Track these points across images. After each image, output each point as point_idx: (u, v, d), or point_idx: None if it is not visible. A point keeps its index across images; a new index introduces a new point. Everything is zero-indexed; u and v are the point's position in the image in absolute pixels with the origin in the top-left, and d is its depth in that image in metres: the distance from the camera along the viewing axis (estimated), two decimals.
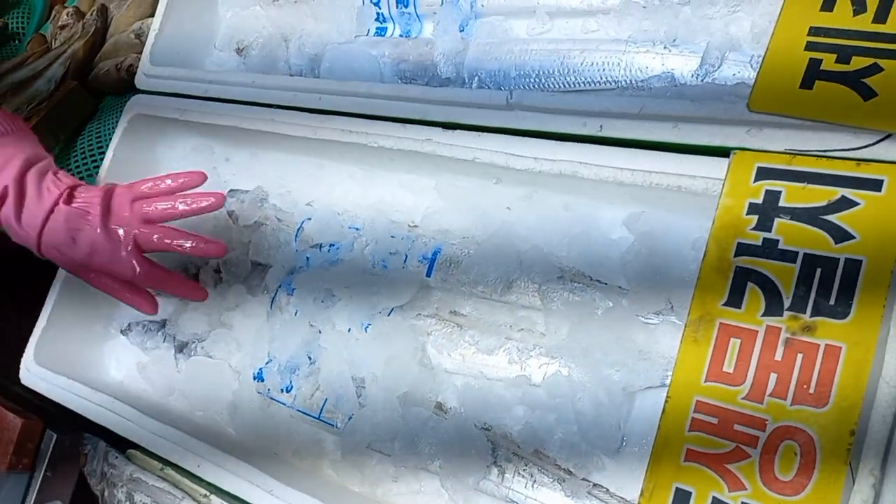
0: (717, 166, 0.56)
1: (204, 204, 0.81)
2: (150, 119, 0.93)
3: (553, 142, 0.65)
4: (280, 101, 0.84)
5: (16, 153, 0.80)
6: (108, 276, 0.82)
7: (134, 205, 0.81)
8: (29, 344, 0.91)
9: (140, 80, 0.97)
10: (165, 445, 0.77)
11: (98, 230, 0.79)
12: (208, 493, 0.76)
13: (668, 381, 0.55)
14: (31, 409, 0.95)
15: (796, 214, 0.53)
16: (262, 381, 0.83)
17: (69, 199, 0.80)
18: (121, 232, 0.80)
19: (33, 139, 0.86)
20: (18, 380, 0.92)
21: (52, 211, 0.79)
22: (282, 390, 0.81)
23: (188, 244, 0.80)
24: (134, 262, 0.80)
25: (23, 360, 0.90)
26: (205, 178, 0.83)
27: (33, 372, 0.89)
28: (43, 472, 0.91)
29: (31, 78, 1.12)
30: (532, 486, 0.65)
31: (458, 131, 0.71)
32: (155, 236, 0.80)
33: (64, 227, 0.79)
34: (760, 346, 0.52)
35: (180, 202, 0.81)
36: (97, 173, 0.98)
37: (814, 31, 0.55)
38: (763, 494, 0.50)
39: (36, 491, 0.90)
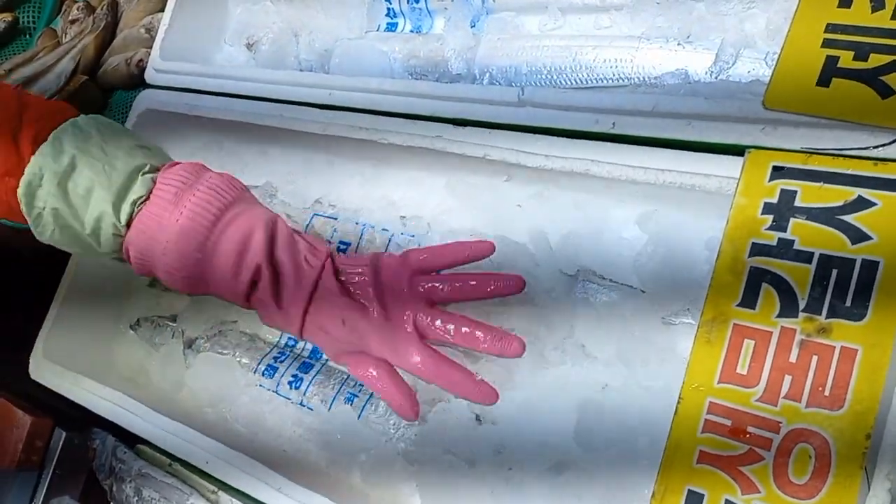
0: (732, 165, 0.56)
1: (506, 289, 0.66)
2: (159, 114, 0.93)
3: (564, 139, 0.64)
4: (290, 97, 0.83)
5: (256, 221, 0.68)
6: (375, 363, 0.69)
7: (413, 280, 0.69)
8: (38, 340, 0.91)
9: (150, 75, 0.97)
10: (174, 442, 0.76)
11: (373, 310, 0.68)
12: (217, 490, 0.76)
13: (679, 383, 0.55)
14: (41, 408, 0.95)
15: (812, 214, 0.52)
16: (272, 377, 0.82)
17: (334, 271, 0.70)
18: (401, 314, 0.68)
19: (253, 198, 0.74)
20: (28, 377, 0.92)
21: (314, 288, 0.68)
22: (291, 387, 0.81)
23: (484, 338, 0.66)
24: (414, 349, 0.67)
25: (32, 355, 0.90)
26: (494, 249, 0.69)
27: (42, 367, 0.89)
28: (52, 469, 0.91)
29: (41, 73, 1.12)
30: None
31: (468, 128, 0.70)
32: (440, 322, 0.67)
33: (333, 306, 0.68)
34: (775, 347, 0.51)
35: (472, 282, 0.67)
36: None
37: (831, 27, 0.54)
38: (777, 497, 0.49)
39: (45, 488, 0.90)
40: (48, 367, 0.89)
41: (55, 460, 0.90)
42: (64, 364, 0.89)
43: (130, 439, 0.84)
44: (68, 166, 0.66)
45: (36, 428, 0.91)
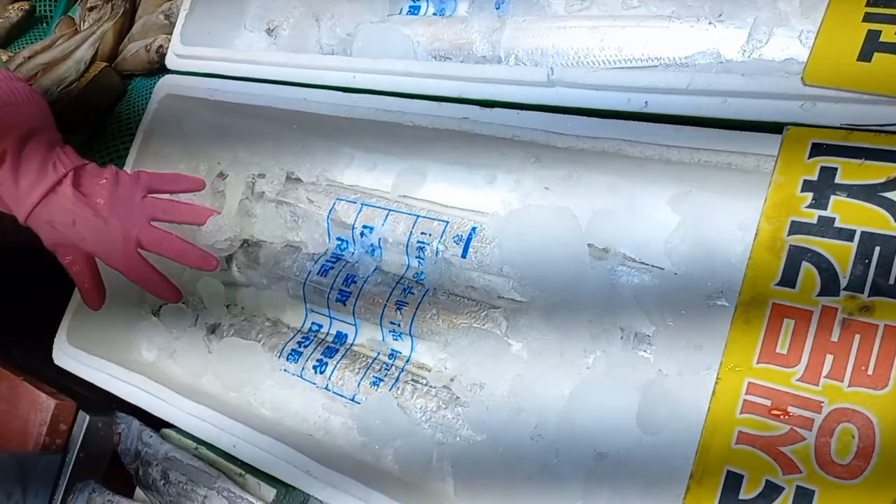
0: (769, 142, 0.55)
1: (202, 218, 0.86)
2: (180, 99, 0.92)
3: (596, 119, 0.63)
4: (313, 81, 0.83)
5: (23, 121, 0.80)
6: (86, 260, 0.84)
7: (144, 199, 0.83)
8: (61, 325, 0.91)
9: (171, 61, 0.97)
10: (201, 425, 0.76)
11: (103, 219, 0.81)
12: (244, 473, 0.76)
13: (716, 364, 0.54)
14: (65, 392, 0.95)
15: (853, 191, 0.51)
16: (296, 362, 0.82)
17: (76, 179, 0.81)
18: (124, 225, 0.81)
19: (47, 113, 0.86)
20: (51, 363, 0.92)
21: (54, 188, 0.79)
22: (316, 371, 0.81)
23: (187, 255, 0.83)
24: (130, 257, 0.82)
25: (55, 341, 0.90)
26: (204, 185, 0.87)
27: (66, 353, 0.89)
28: (76, 453, 0.91)
29: (59, 60, 1.12)
30: None
31: (496, 109, 0.69)
32: (158, 238, 0.82)
33: (67, 209, 0.79)
34: (816, 326, 0.51)
35: (184, 208, 0.86)
36: (126, 155, 0.98)
37: (872, 1, 0.53)
38: (819, 478, 0.48)
39: (69, 472, 0.90)
40: (72, 353, 0.89)
41: (79, 444, 0.91)
42: (87, 349, 0.89)
43: (155, 423, 0.84)
44: None
45: (60, 411, 0.91)
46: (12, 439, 0.94)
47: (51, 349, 0.92)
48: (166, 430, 0.84)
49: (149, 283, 0.84)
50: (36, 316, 0.97)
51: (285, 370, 0.82)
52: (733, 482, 0.51)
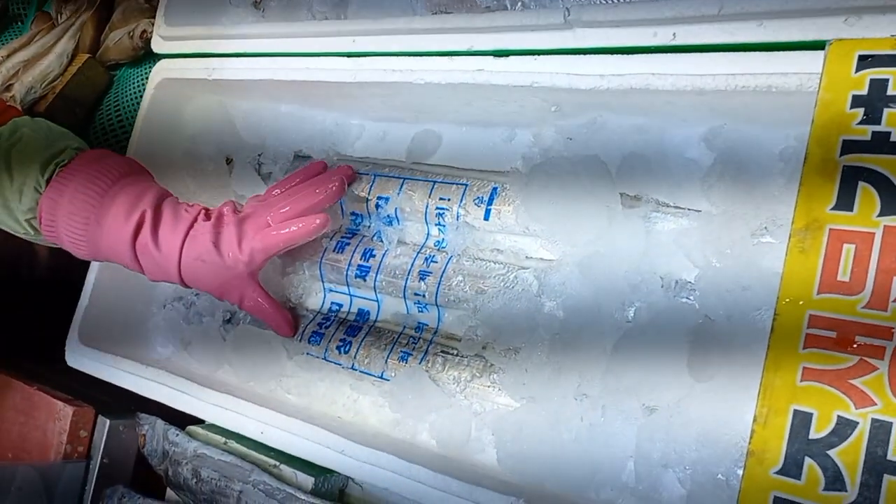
0: (812, 60, 0.52)
1: (324, 195, 0.77)
2: (177, 83, 0.89)
3: (620, 56, 0.60)
4: (311, 49, 0.79)
5: (150, 187, 0.79)
6: (255, 288, 0.78)
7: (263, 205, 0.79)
8: (72, 325, 0.88)
9: (157, 44, 0.93)
10: (225, 415, 0.73)
11: (230, 226, 0.76)
12: (278, 463, 0.73)
13: (772, 301, 0.51)
14: (80, 398, 0.93)
15: None
16: (319, 344, 0.79)
17: (206, 215, 0.78)
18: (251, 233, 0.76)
19: (151, 178, 0.83)
20: (65, 371, 0.89)
21: (191, 226, 0.76)
22: (340, 352, 0.78)
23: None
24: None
25: (67, 342, 0.87)
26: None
27: (79, 352, 0.86)
28: (100, 458, 0.88)
29: (40, 55, 1.08)
30: None
31: (511, 58, 0.66)
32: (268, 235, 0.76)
33: (204, 234, 0.75)
34: (879, 249, 0.47)
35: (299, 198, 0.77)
36: (121, 148, 0.94)
37: None
38: None
39: (95, 478, 0.87)
40: (85, 352, 0.86)
41: (102, 449, 0.88)
42: (101, 348, 0.85)
43: (180, 422, 0.81)
44: (17, 137, 0.78)
45: (78, 417, 0.88)
46: (33, 451, 0.91)
47: (62, 359, 0.89)
48: (192, 428, 0.81)
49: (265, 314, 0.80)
50: (43, 327, 0.94)
51: (308, 353, 0.79)
52: (802, 421, 0.48)
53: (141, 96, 0.94)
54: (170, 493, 0.83)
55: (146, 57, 1.04)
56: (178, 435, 0.80)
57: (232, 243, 0.75)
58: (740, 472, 0.56)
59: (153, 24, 0.95)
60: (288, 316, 0.81)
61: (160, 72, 0.91)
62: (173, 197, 0.80)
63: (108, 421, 0.89)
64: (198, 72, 0.86)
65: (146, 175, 0.82)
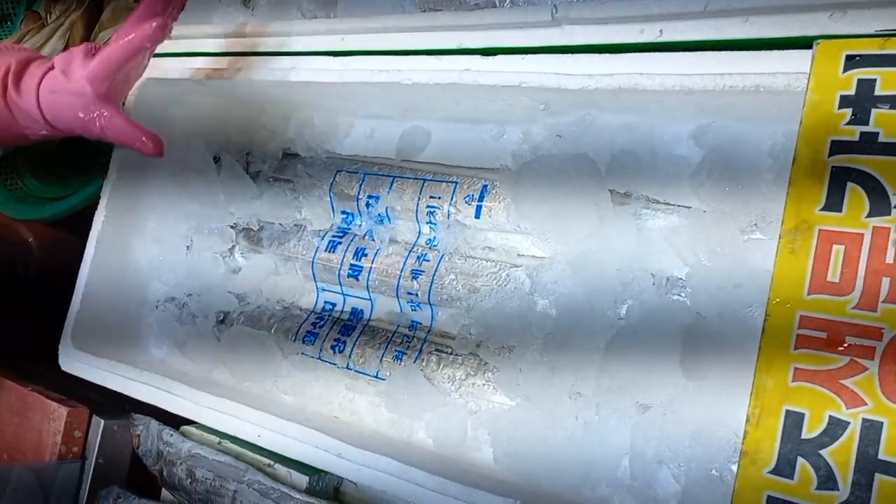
0: (800, 59, 0.51)
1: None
2: (163, 83, 0.88)
3: (608, 55, 0.59)
4: (298, 48, 0.79)
5: (23, 51, 0.82)
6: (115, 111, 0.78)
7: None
8: (65, 329, 0.87)
9: None
10: (221, 419, 0.73)
11: (80, 53, 0.76)
12: (272, 463, 0.73)
13: (763, 301, 0.51)
14: (75, 398, 0.93)
15: None
16: (313, 343, 0.79)
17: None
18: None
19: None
20: (59, 371, 0.88)
21: (51, 67, 0.78)
22: (335, 352, 0.78)
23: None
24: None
25: (60, 346, 0.87)
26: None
27: (72, 356, 0.86)
28: (94, 458, 0.88)
29: None
30: None
31: (499, 57, 0.66)
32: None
33: (57, 68, 0.77)
34: (868, 249, 0.48)
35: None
36: (110, 149, 0.93)
37: None
38: (887, 408, 0.46)
39: (90, 479, 0.88)
40: (79, 356, 0.85)
41: (97, 450, 0.88)
42: (95, 352, 0.85)
43: (174, 421, 0.81)
44: None
45: (73, 418, 0.88)
46: (27, 452, 0.91)
47: (55, 359, 0.88)
48: (186, 428, 0.81)
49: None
50: (36, 329, 0.93)
51: (303, 353, 0.79)
52: (794, 421, 0.48)
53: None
54: (165, 493, 0.83)
55: None
56: (172, 435, 0.80)
57: (77, 66, 0.76)
58: (734, 467, 0.57)
59: None
60: (153, 134, 0.78)
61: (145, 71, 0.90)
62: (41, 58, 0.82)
63: (102, 421, 0.89)
64: (182, 71, 0.85)
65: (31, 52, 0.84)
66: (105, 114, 0.77)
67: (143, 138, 0.77)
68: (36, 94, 0.78)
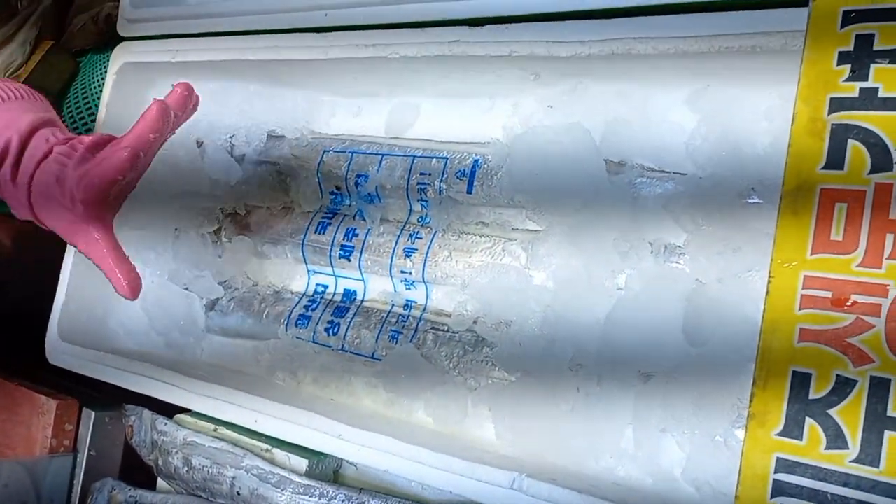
0: (796, 18, 0.51)
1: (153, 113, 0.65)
2: (139, 66, 0.86)
3: (600, 20, 0.58)
4: (280, 25, 0.77)
5: (25, 114, 0.70)
6: (103, 235, 0.67)
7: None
8: (50, 321, 0.86)
9: (122, 27, 0.90)
10: (217, 405, 0.72)
11: (75, 160, 0.65)
12: (270, 447, 0.72)
13: (766, 263, 0.51)
14: (64, 391, 0.91)
15: (895, 56, 0.47)
16: (307, 327, 0.78)
17: (65, 141, 0.69)
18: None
19: (47, 105, 0.75)
20: (46, 364, 0.87)
21: (45, 157, 0.67)
22: (329, 334, 0.77)
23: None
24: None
25: (46, 338, 0.85)
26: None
27: (60, 349, 0.84)
28: (87, 451, 0.87)
29: (1, 44, 1.04)
30: None
31: (487, 26, 0.64)
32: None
33: (52, 167, 0.66)
34: (871, 206, 0.47)
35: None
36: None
37: None
38: (894, 365, 0.46)
39: (83, 471, 0.86)
40: (66, 349, 0.84)
41: (88, 442, 0.87)
42: (82, 343, 0.84)
43: (167, 410, 0.80)
44: None
45: (63, 411, 0.87)
46: (18, 447, 0.90)
47: (42, 351, 0.87)
48: (181, 416, 0.80)
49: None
50: (24, 322, 0.92)
51: (298, 337, 0.78)
52: (801, 382, 0.48)
53: None
54: (160, 483, 0.82)
55: (112, 42, 1.01)
56: (166, 424, 0.78)
57: (73, 179, 0.65)
58: (738, 433, 0.57)
59: (118, 8, 0.92)
60: (132, 276, 0.68)
61: (121, 56, 0.88)
62: (56, 126, 0.71)
63: (93, 413, 0.87)
64: (160, 54, 0.83)
65: (34, 101, 0.74)
66: (95, 236, 0.67)
67: (119, 276, 0.67)
68: (28, 189, 0.67)
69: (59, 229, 0.69)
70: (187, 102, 0.69)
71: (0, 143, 0.67)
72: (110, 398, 0.90)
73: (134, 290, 0.68)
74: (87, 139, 0.68)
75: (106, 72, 0.96)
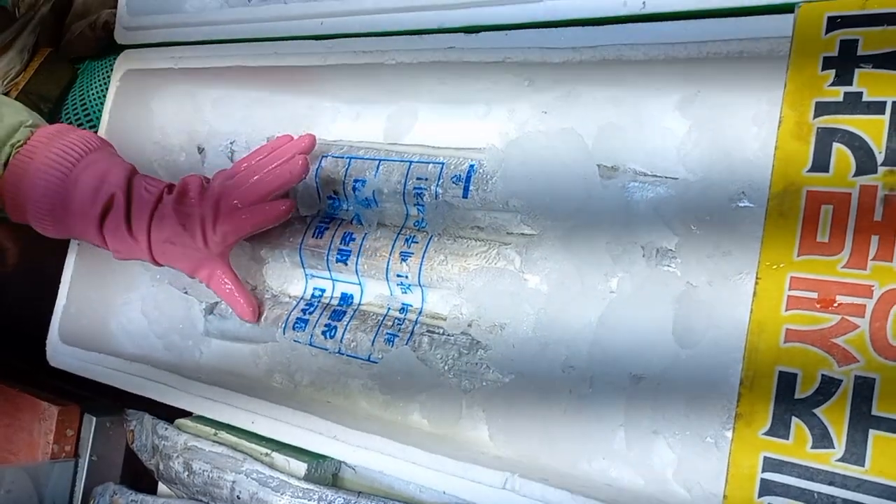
0: (782, 24, 0.52)
1: (288, 175, 0.76)
2: (142, 73, 0.87)
3: (592, 28, 0.59)
4: (278, 33, 0.78)
5: (114, 165, 0.78)
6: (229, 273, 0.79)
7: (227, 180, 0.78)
8: (51, 324, 0.87)
9: (120, 35, 0.91)
10: (215, 406, 0.73)
11: (199, 208, 0.75)
12: (270, 452, 0.73)
13: (749, 268, 0.52)
14: (65, 396, 0.92)
15: (879, 61, 0.48)
16: (304, 330, 0.79)
17: (170, 190, 0.78)
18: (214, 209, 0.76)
19: (115, 153, 0.82)
20: (46, 369, 0.88)
21: (155, 207, 0.76)
22: (326, 337, 0.78)
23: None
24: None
25: (47, 340, 0.86)
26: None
27: (61, 352, 0.85)
28: (88, 456, 0.88)
29: (0, 51, 1.05)
30: None
31: (482, 34, 0.65)
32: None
33: (171, 215, 0.75)
34: (856, 208, 0.48)
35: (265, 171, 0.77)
36: None
37: None
38: (878, 364, 0.46)
39: (84, 476, 0.87)
40: (67, 351, 0.85)
41: (90, 447, 0.87)
42: (83, 345, 0.84)
43: (167, 415, 0.81)
44: None
45: (64, 416, 0.87)
46: (20, 453, 0.90)
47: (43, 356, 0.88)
48: (181, 420, 0.81)
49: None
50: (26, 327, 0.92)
51: (296, 340, 0.79)
52: (787, 382, 0.49)
53: (107, 89, 0.92)
54: (162, 487, 0.82)
55: (110, 49, 1.02)
56: (167, 429, 0.79)
57: (202, 225, 0.75)
58: (728, 434, 0.57)
59: (115, 15, 0.93)
60: (253, 302, 0.81)
61: (124, 63, 0.89)
62: (138, 174, 0.79)
63: (94, 418, 0.88)
64: (163, 61, 0.84)
65: (108, 149, 0.81)
66: (220, 274, 0.78)
67: (246, 306, 0.79)
68: (147, 240, 0.76)
69: (183, 267, 0.78)
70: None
71: (104, 198, 0.75)
72: (112, 403, 0.90)
73: (254, 314, 0.80)
74: (195, 190, 0.77)
75: (104, 79, 0.97)
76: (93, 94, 1.01)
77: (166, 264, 0.78)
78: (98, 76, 1.02)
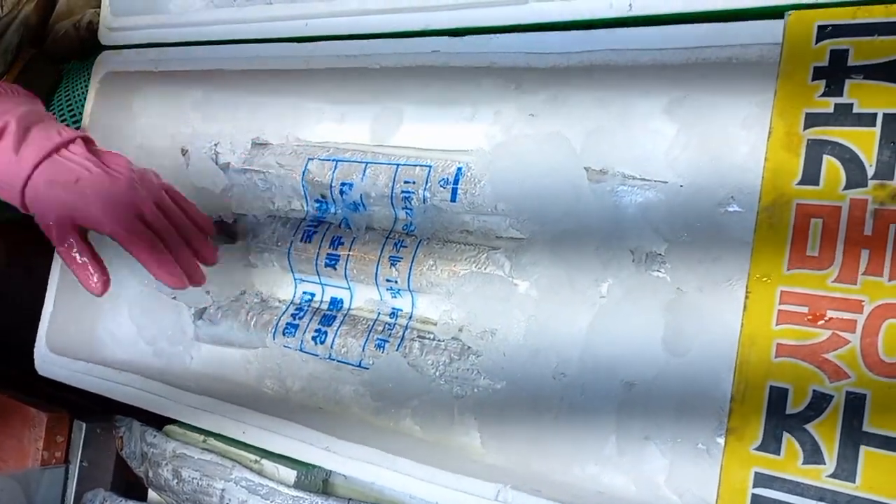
0: (773, 30, 0.51)
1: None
2: (122, 76, 0.86)
3: (579, 32, 0.58)
4: (261, 35, 0.77)
5: (24, 103, 0.74)
6: (81, 235, 0.71)
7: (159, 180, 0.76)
8: (39, 332, 0.86)
9: (104, 35, 0.90)
10: (205, 416, 0.73)
11: (113, 177, 0.70)
12: (259, 459, 0.73)
13: (739, 276, 0.51)
14: (55, 403, 0.91)
15: (869, 72, 0.48)
16: (294, 335, 0.78)
17: (87, 145, 0.73)
18: (135, 184, 0.71)
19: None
20: (35, 374, 0.87)
21: (59, 148, 0.70)
22: (316, 342, 0.77)
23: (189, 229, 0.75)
24: (132, 221, 0.70)
25: (35, 350, 0.85)
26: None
27: (49, 360, 0.84)
28: (78, 462, 0.87)
29: None
30: None
31: (467, 37, 0.64)
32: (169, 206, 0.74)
33: (73, 165, 0.70)
34: (846, 222, 0.48)
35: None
36: None
37: None
38: (869, 380, 0.46)
39: (75, 483, 0.87)
40: (55, 360, 0.84)
41: (80, 453, 0.87)
42: (71, 354, 0.84)
43: (156, 421, 0.80)
44: None
45: (54, 423, 0.87)
46: (9, 459, 0.90)
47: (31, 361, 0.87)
48: (169, 427, 0.80)
49: (144, 251, 0.71)
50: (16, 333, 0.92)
51: (285, 346, 0.78)
52: (778, 397, 0.49)
53: None
54: (152, 494, 0.82)
55: (94, 49, 1.00)
56: (155, 436, 0.79)
57: (99, 183, 0.70)
58: (720, 440, 0.57)
59: (99, 14, 0.91)
60: (103, 275, 0.72)
61: (103, 65, 0.88)
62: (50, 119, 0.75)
63: (84, 424, 0.88)
64: (144, 63, 0.83)
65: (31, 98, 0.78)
66: (71, 240, 0.71)
67: (91, 273, 0.71)
68: (33, 167, 0.69)
69: (44, 217, 0.70)
70: None
71: None
72: (101, 409, 0.90)
73: (102, 287, 0.71)
74: (106, 154, 0.73)
75: (88, 80, 0.96)
76: (78, 96, 0.99)
77: (35, 211, 0.71)
78: (83, 77, 1.00)
